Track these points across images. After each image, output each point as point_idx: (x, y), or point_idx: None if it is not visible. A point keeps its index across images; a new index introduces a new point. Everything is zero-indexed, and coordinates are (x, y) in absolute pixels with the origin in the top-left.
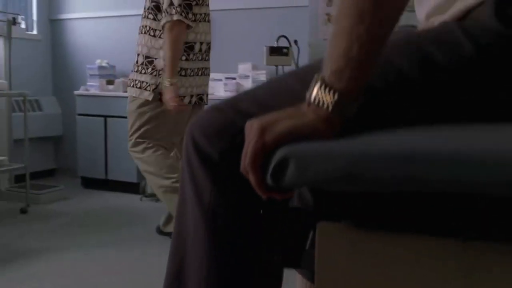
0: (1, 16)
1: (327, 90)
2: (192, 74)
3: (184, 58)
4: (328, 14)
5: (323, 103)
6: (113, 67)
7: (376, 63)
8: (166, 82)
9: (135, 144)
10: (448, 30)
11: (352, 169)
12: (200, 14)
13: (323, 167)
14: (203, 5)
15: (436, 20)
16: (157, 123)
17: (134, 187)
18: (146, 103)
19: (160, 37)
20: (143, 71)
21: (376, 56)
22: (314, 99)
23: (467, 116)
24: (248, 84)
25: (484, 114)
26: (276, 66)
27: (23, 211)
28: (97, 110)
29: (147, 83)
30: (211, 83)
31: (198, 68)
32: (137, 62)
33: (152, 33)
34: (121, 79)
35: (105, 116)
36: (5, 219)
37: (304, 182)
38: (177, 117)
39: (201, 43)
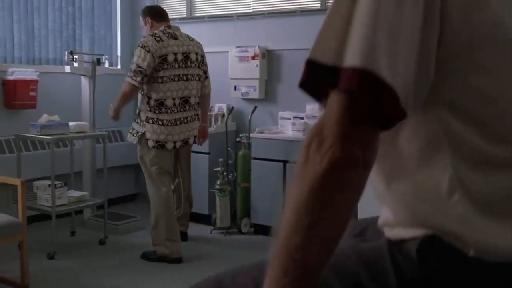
0: (87, 57)
1: None
2: (169, 124)
3: (157, 111)
4: None
5: None
6: None
7: None
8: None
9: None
10: (381, 254)
11: None
12: (169, 76)
13: None
14: (171, 68)
15: (386, 231)
16: (146, 163)
17: (205, 218)
18: (138, 148)
19: (143, 95)
20: (135, 120)
21: None
22: None
23: None
24: None
25: None
26: None
27: (102, 242)
28: None
29: (136, 130)
30: (280, 121)
31: (175, 119)
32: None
33: (140, 91)
34: None
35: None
36: (85, 249)
37: None
38: (160, 154)
39: (174, 99)
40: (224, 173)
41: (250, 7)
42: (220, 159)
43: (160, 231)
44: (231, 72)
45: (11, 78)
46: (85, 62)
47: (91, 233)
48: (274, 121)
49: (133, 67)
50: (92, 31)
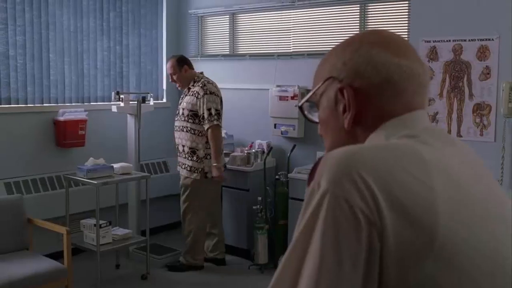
0: (133, 96)
1: None
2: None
3: None
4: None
5: None
6: (231, 136)
7: None
8: (214, 164)
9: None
10: None
11: None
12: (222, 115)
13: None
14: (222, 108)
15: None
16: (199, 193)
17: (244, 253)
18: (194, 181)
19: (199, 135)
20: (189, 158)
21: None
22: None
23: None
24: None
25: None
26: None
27: (144, 277)
28: None
29: (195, 167)
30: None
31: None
32: (183, 151)
33: (193, 132)
34: (234, 154)
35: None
36: (128, 285)
37: None
38: (212, 189)
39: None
40: (263, 211)
41: (290, 47)
42: (259, 198)
43: (196, 247)
44: (271, 110)
45: (61, 119)
46: (131, 101)
47: (134, 266)
48: (312, 161)
49: (212, 111)
50: (139, 67)
